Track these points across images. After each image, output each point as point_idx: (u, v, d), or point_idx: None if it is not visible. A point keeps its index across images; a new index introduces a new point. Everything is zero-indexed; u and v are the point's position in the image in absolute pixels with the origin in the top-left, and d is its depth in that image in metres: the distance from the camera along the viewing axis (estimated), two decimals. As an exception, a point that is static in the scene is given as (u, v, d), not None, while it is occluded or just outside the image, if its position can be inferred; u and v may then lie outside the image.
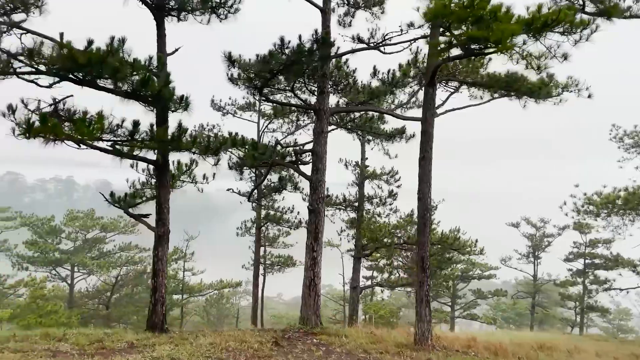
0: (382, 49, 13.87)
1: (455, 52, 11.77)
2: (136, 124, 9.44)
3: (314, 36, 11.00)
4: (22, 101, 8.73)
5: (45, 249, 36.69)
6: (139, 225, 40.92)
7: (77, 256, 37.54)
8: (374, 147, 25.19)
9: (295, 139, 17.20)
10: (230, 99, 27.68)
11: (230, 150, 14.10)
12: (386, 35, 13.41)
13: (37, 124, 8.71)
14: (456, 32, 8.96)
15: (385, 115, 21.16)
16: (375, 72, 16.96)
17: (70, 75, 9.72)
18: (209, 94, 27.06)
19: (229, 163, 15.92)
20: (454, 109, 15.84)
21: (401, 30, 13.15)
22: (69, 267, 38.57)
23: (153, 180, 13.20)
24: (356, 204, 25.90)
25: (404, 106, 16.83)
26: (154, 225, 11.87)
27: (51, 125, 8.18)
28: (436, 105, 17.12)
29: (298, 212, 27.46)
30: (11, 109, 8.37)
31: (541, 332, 40.04)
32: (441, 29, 11.39)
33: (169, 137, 9.88)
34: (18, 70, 9.62)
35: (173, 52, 11.62)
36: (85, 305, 37.28)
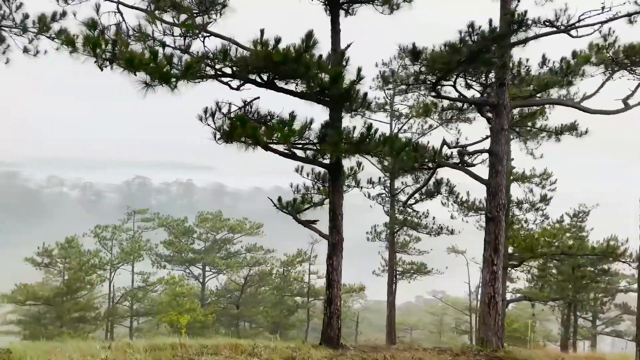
0: (572, 32, 12.02)
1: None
2: (327, 125, 8.74)
3: (513, 18, 9.58)
4: (217, 104, 8.40)
5: (181, 248, 38.84)
6: (264, 227, 42.15)
7: (208, 256, 39.25)
8: (523, 145, 22.89)
9: (457, 139, 15.82)
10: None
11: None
12: (581, 15, 11.55)
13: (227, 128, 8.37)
14: None
15: (544, 110, 19.03)
16: (544, 61, 15.06)
17: (254, 77, 9.33)
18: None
19: (384, 166, 14.93)
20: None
21: (602, 8, 11.23)
22: (201, 267, 40.52)
23: (318, 185, 12.62)
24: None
25: (587, 98, 14.66)
26: (327, 233, 11.18)
27: (250, 128, 7.70)
28: (627, 96, 14.78)
29: (434, 218, 25.83)
30: (210, 113, 8.04)
31: None
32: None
33: (358, 138, 9.05)
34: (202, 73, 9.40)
35: (346, 48, 10.84)
36: (217, 303, 38.78)
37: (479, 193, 24.75)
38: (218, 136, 7.94)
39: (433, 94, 12.39)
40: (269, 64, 8.15)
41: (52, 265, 33.54)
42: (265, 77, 9.26)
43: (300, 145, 9.81)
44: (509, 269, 24.07)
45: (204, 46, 9.72)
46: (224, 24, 10.39)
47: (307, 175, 12.59)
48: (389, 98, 25.43)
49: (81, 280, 31.94)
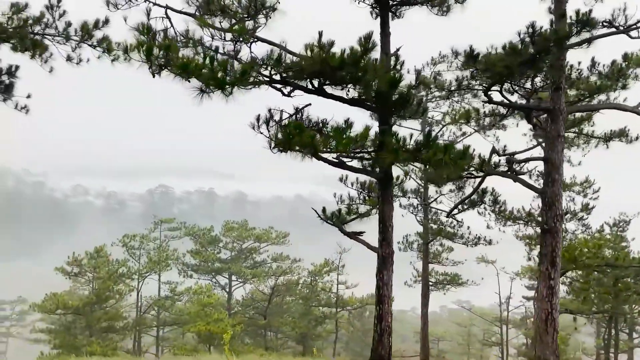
0: (631, 33, 11.38)
1: None
2: (383, 132, 8.29)
3: (577, 18, 9.02)
4: (269, 111, 8.01)
5: (207, 258, 38.62)
6: (290, 237, 41.72)
7: (234, 265, 38.93)
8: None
9: (505, 146, 15.16)
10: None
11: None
12: (644, 14, 10.89)
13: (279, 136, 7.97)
14: None
15: (591, 115, 18.26)
16: (593, 64, 14.40)
17: (305, 83, 8.93)
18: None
19: (426, 174, 14.37)
20: None
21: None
22: (227, 276, 40.20)
23: (363, 195, 12.17)
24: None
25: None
26: (376, 245, 10.68)
27: (307, 137, 7.28)
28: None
29: (468, 227, 25.03)
30: (264, 121, 7.65)
31: None
32: None
33: (414, 146, 8.57)
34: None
35: (397, 50, 10.40)
36: (244, 313, 38.40)
37: (516, 202, 23.92)
38: (273, 145, 7.54)
39: (484, 98, 11.83)
40: (326, 68, 7.74)
41: (81, 274, 33.62)
42: (316, 82, 8.86)
43: (352, 154, 9.37)
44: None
45: (250, 52, 9.38)
46: (270, 27, 10.06)
47: (352, 184, 12.17)
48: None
49: (110, 289, 31.90)
